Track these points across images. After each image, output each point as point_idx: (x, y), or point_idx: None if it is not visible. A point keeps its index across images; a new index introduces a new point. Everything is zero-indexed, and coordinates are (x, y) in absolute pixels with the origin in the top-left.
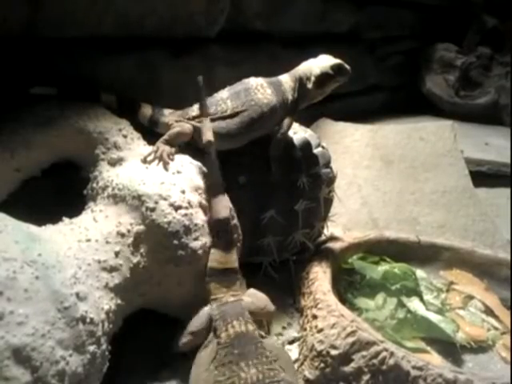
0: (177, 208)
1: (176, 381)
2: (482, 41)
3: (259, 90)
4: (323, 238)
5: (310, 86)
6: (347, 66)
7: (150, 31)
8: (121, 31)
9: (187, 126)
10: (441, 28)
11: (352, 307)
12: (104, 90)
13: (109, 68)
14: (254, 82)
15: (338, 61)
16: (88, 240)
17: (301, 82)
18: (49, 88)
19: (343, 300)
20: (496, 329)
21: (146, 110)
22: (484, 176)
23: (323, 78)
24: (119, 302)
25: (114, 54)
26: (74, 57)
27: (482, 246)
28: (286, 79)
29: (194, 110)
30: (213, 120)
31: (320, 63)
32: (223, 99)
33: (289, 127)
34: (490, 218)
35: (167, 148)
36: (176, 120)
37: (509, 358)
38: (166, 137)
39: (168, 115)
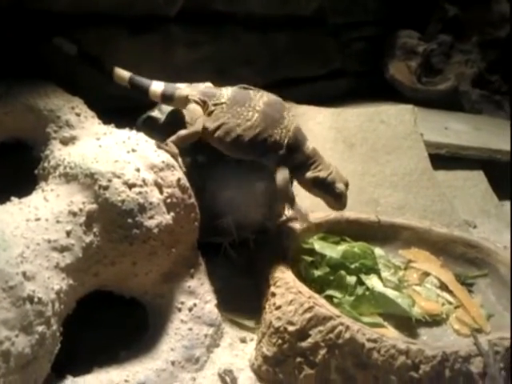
0: (131, 186)
1: (133, 361)
2: (443, 29)
3: (252, 108)
4: (284, 218)
5: (312, 174)
6: (344, 200)
7: (107, 8)
8: (76, 7)
9: (199, 126)
10: (404, 15)
11: (312, 285)
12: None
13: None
14: (255, 99)
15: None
16: (37, 219)
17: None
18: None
19: (303, 279)
20: (450, 303)
21: (156, 86)
22: (442, 159)
23: (326, 183)
24: (71, 282)
25: (68, 30)
26: (27, 31)
27: (439, 225)
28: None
29: (224, 95)
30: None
31: (338, 177)
32: (222, 95)
33: (283, 181)
34: (447, 199)
35: (175, 150)
36: (197, 100)
37: (462, 331)
38: (174, 138)
39: (185, 87)
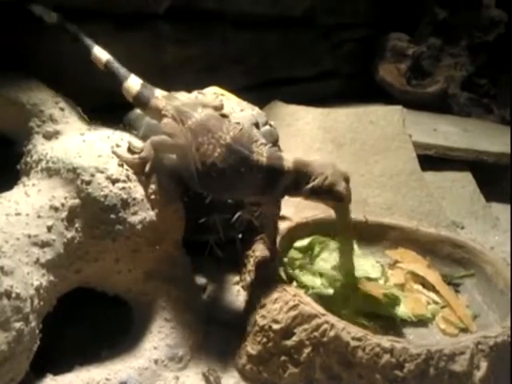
0: (114, 181)
1: (115, 359)
2: (433, 32)
3: (215, 141)
4: None
5: (307, 186)
6: (347, 198)
7: (93, 3)
8: (61, 1)
9: (182, 141)
10: (394, 18)
11: (299, 285)
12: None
13: (46, 39)
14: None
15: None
16: (18, 214)
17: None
18: None
19: (290, 278)
20: (436, 303)
21: (133, 83)
22: (431, 160)
23: (323, 190)
24: (52, 278)
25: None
26: (7, 25)
27: (426, 225)
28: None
29: (192, 119)
30: None
31: (335, 178)
32: (191, 119)
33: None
34: (435, 200)
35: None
36: (170, 117)
37: (447, 330)
38: (158, 139)
39: (162, 98)
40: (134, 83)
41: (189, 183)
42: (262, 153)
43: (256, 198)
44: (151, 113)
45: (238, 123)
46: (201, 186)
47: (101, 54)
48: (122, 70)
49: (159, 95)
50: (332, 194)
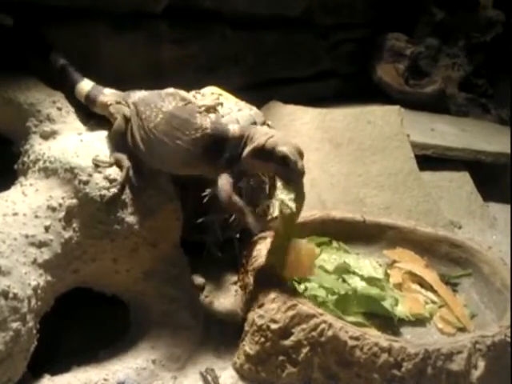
0: (112, 181)
1: (113, 359)
2: (430, 32)
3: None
4: (269, 217)
5: (248, 148)
6: (294, 166)
7: (90, 2)
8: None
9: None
10: (392, 18)
11: (297, 285)
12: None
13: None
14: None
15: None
16: (15, 214)
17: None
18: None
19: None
20: (434, 303)
21: (85, 85)
22: (429, 160)
23: (266, 151)
24: (49, 278)
25: (50, 23)
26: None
27: (424, 225)
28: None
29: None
30: None
31: (281, 141)
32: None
33: (223, 187)
34: (433, 200)
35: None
36: (117, 100)
37: (445, 329)
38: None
39: (109, 94)
40: (85, 85)
41: (137, 156)
42: (205, 118)
43: (205, 172)
44: (100, 109)
45: (186, 100)
46: (147, 156)
47: (57, 57)
48: (76, 74)
49: (107, 92)
50: (275, 155)
